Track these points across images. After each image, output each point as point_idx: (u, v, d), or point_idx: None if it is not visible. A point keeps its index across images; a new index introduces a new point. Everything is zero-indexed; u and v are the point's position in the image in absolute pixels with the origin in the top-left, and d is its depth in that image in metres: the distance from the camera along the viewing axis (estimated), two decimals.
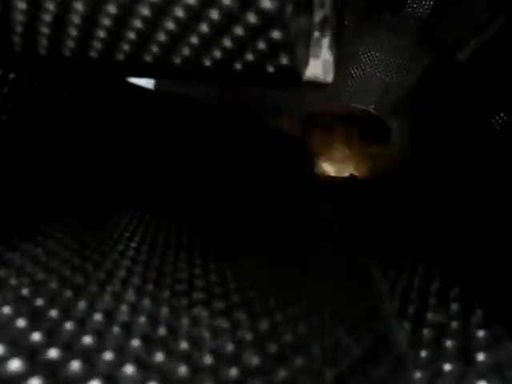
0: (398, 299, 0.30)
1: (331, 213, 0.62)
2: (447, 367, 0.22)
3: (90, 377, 0.18)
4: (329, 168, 1.04)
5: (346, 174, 1.03)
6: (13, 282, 0.25)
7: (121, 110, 0.65)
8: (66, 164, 0.57)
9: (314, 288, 0.33)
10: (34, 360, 0.19)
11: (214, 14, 0.26)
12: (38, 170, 0.54)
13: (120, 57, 0.32)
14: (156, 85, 0.82)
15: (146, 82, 0.75)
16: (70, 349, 0.20)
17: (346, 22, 1.00)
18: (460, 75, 0.92)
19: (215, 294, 0.28)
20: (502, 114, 0.76)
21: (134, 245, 0.38)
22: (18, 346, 0.19)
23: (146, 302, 0.26)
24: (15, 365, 0.18)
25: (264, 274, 0.34)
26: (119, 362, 0.19)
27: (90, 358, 0.19)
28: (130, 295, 0.26)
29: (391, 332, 0.27)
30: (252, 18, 0.25)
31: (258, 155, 0.91)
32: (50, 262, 0.29)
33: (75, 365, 0.19)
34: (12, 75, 0.50)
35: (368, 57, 1.07)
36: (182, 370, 0.20)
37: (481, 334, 0.23)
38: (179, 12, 0.26)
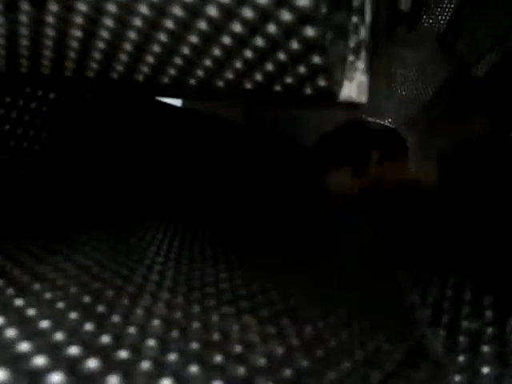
0: (429, 308, 0.32)
1: (358, 226, 0.64)
2: (485, 370, 0.23)
3: (160, 376, 0.20)
4: (348, 182, 1.06)
5: (365, 188, 1.05)
6: (48, 296, 0.27)
7: (150, 126, 0.67)
8: (95, 178, 0.60)
9: (348, 298, 0.34)
10: (107, 360, 0.21)
11: (260, 42, 0.28)
12: (68, 185, 0.56)
13: (165, 80, 0.34)
14: (183, 102, 0.85)
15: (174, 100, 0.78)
16: (106, 360, 0.21)
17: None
18: (477, 89, 0.93)
19: (259, 302, 0.30)
20: None
21: (173, 255, 0.40)
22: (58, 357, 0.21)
23: (196, 309, 0.28)
24: (92, 364, 0.20)
25: (301, 286, 0.35)
26: (184, 363, 0.21)
27: (157, 360, 0.21)
28: (181, 302, 0.28)
29: (426, 339, 0.28)
30: (295, 45, 0.28)
31: (277, 169, 0.93)
32: (80, 275, 0.31)
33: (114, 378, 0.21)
34: (52, 95, 0.53)
35: (385, 71, 1.09)
36: (241, 370, 0.21)
37: None
38: (227, 40, 0.29)
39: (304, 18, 0.25)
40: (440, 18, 1.02)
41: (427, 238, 0.48)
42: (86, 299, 0.26)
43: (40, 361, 0.20)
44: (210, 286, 0.32)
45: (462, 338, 0.26)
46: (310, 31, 0.26)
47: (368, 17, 0.29)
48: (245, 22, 0.27)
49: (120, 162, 0.63)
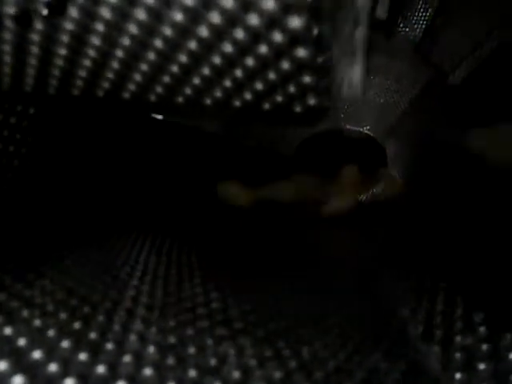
0: (421, 323, 0.32)
1: (342, 241, 0.64)
2: None
3: None
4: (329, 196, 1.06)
5: (347, 201, 1.05)
6: (37, 323, 0.25)
7: (129, 139, 0.67)
8: (77, 195, 0.59)
9: (338, 318, 0.34)
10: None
11: (250, 62, 0.28)
12: (50, 202, 0.55)
13: (181, 100, 0.34)
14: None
15: None
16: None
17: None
18: (454, 97, 0.95)
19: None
20: None
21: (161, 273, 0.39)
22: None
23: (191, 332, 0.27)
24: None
25: (290, 308, 0.35)
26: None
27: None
28: (172, 323, 0.28)
29: (421, 356, 0.28)
30: (286, 65, 0.28)
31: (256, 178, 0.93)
32: (68, 299, 0.30)
33: None
34: (32, 110, 0.52)
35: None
36: None
37: None
38: (217, 59, 0.28)
39: (295, 39, 0.25)
40: (416, 26, 1.04)
41: (413, 250, 0.48)
42: (50, 334, 0.25)
43: None
44: (202, 307, 0.32)
45: (457, 355, 0.26)
46: (302, 53, 0.26)
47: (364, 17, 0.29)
48: (235, 43, 0.27)
49: (101, 177, 0.62)
